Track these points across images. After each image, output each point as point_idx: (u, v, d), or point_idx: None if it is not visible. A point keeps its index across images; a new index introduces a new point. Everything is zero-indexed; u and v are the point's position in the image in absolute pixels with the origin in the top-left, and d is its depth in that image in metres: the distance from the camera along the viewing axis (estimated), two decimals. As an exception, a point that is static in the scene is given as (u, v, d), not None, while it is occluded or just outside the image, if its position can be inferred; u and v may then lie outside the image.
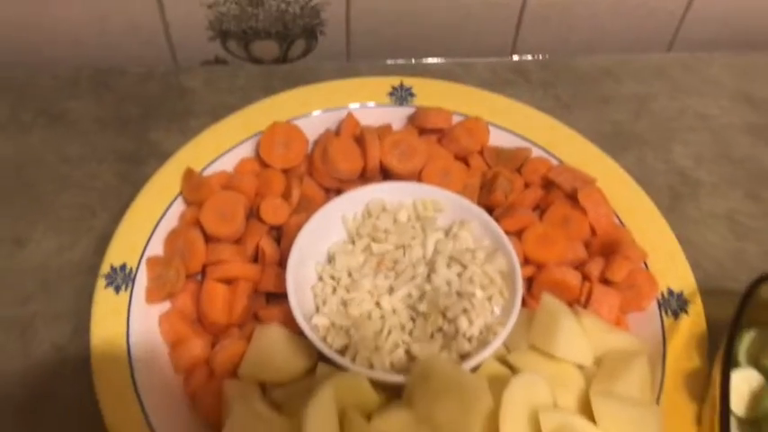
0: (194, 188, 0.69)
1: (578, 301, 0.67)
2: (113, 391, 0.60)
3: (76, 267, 0.74)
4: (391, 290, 0.64)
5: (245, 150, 0.75)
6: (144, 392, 0.60)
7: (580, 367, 0.62)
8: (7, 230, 0.76)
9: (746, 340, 0.60)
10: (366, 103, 0.78)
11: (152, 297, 0.65)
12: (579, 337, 0.61)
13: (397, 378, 0.58)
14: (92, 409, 0.61)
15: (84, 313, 0.67)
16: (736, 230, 0.81)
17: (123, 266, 0.66)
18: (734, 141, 0.89)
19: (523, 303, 0.66)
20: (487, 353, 0.59)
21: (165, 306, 0.66)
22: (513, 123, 0.78)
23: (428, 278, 0.64)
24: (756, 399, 0.57)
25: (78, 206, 0.78)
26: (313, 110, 0.77)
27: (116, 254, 0.66)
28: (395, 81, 0.80)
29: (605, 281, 0.68)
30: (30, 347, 0.69)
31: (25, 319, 0.70)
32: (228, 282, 0.66)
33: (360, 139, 0.73)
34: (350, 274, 0.65)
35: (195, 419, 0.61)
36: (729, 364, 0.54)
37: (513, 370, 0.60)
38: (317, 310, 0.64)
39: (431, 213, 0.69)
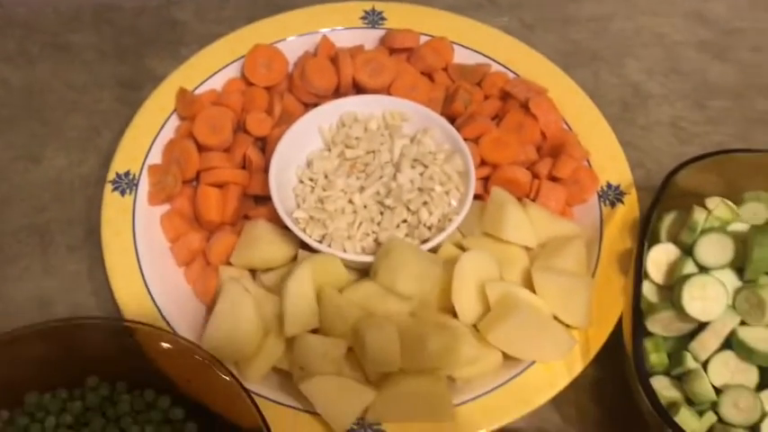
0: (187, 105, 0.78)
1: (528, 196, 0.76)
2: (125, 278, 0.69)
3: (85, 180, 0.83)
4: (362, 189, 0.73)
5: (232, 72, 0.83)
6: (150, 280, 0.70)
7: (526, 249, 0.71)
8: (23, 150, 0.85)
9: (667, 220, 0.69)
10: (341, 26, 0.86)
11: (153, 199, 0.74)
12: (524, 222, 0.70)
13: (365, 258, 0.67)
14: (106, 306, 0.72)
15: (94, 220, 0.77)
16: (679, 136, 0.89)
17: (127, 173, 0.75)
18: (684, 56, 0.97)
19: (481, 200, 0.75)
20: (443, 236, 0.69)
21: (166, 208, 0.75)
22: (476, 42, 0.86)
23: (394, 177, 0.73)
24: (672, 268, 0.66)
25: (84, 127, 0.87)
26: (292, 34, 0.85)
27: (120, 163, 0.75)
28: (367, 5, 0.87)
29: (553, 178, 0.76)
30: (48, 250, 0.79)
31: (42, 226, 0.80)
32: (220, 186, 0.75)
33: (334, 58, 0.81)
34: (326, 176, 0.74)
35: (198, 304, 0.71)
36: (645, 235, 0.63)
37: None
38: (298, 207, 0.73)
39: (398, 122, 0.77)
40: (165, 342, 0.61)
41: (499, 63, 0.85)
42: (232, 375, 0.58)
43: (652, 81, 0.94)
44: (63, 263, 0.78)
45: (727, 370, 0.62)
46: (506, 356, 0.66)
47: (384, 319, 0.62)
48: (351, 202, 0.72)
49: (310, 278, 0.64)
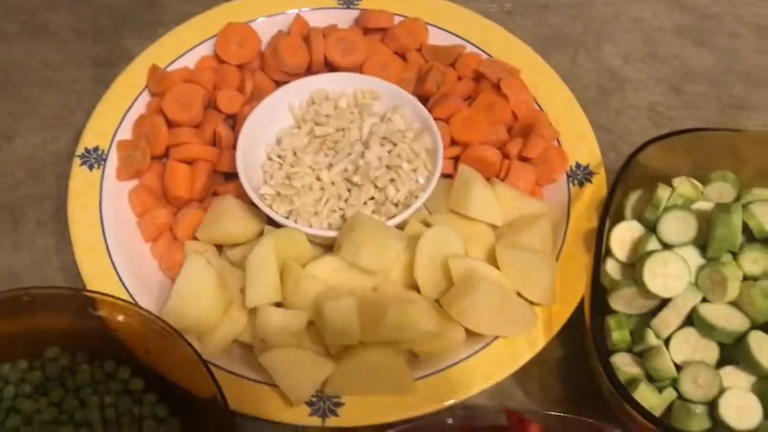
0: (158, 81, 0.78)
1: (498, 176, 0.76)
2: (89, 251, 0.70)
3: (58, 157, 0.83)
4: (330, 166, 0.73)
5: (205, 50, 0.83)
6: (115, 254, 0.70)
7: (492, 227, 0.71)
8: (-3, 127, 0.86)
9: (633, 198, 0.69)
10: (316, 6, 0.86)
11: (122, 175, 0.74)
12: (490, 199, 0.70)
13: (330, 233, 0.67)
14: (73, 281, 0.72)
15: (65, 196, 0.76)
16: (654, 120, 0.89)
17: (96, 148, 0.75)
18: (663, 42, 0.97)
19: (451, 179, 0.75)
20: (409, 212, 0.69)
21: (134, 184, 0.75)
22: (450, 24, 0.86)
23: (363, 155, 0.73)
24: (636, 246, 0.66)
25: (59, 106, 0.87)
26: (267, 14, 0.85)
27: (89, 138, 0.76)
28: (342, -15, 0.87)
29: (523, 158, 0.76)
30: (18, 226, 0.79)
31: (15, 202, 0.80)
32: (189, 162, 0.75)
33: (307, 37, 0.81)
34: (294, 153, 0.74)
35: (164, 279, 0.71)
36: (607, 212, 0.63)
37: (433, 229, 0.70)
38: (266, 183, 0.73)
39: (368, 101, 0.77)
40: (125, 313, 0.61)
41: (473, 44, 0.85)
42: (190, 346, 0.58)
43: (629, 66, 0.94)
44: (32, 238, 0.78)
45: (688, 347, 0.62)
46: (469, 332, 0.66)
47: (343, 291, 0.62)
48: (319, 179, 0.72)
49: (273, 251, 0.64)
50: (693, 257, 0.64)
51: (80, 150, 0.75)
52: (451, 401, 0.63)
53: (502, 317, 0.64)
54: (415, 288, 0.67)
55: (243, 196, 0.72)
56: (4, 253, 0.77)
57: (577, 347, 0.69)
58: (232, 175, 0.75)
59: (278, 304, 0.66)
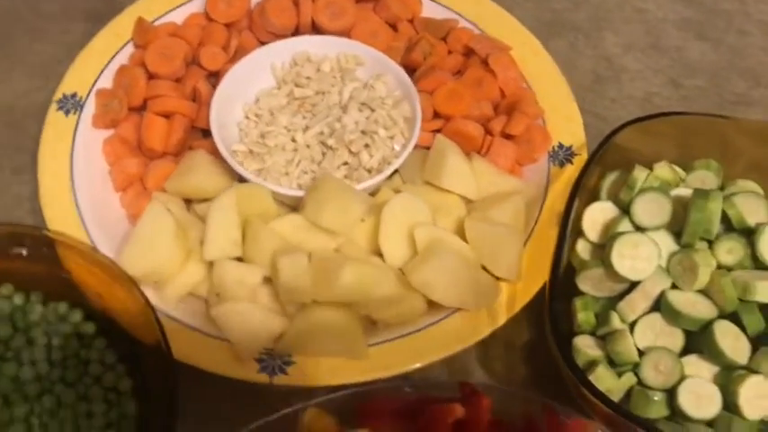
0: (142, 33, 0.77)
1: (480, 152, 0.74)
2: (54, 192, 0.69)
3: (41, 107, 0.81)
4: (306, 128, 0.72)
5: (196, 7, 0.82)
6: (81, 197, 0.69)
7: (466, 201, 0.69)
8: (-18, 74, 0.85)
9: (609, 179, 0.67)
10: (310, -28, 0.85)
11: (98, 122, 0.74)
12: (464, 172, 0.69)
13: (297, 193, 0.66)
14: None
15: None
16: (649, 110, 0.85)
17: (74, 95, 0.74)
18: (665, 34, 0.94)
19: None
20: (380, 178, 0.67)
21: (110, 134, 0.75)
22: (444, -3, 0.85)
23: (340, 119, 0.72)
24: (608, 227, 0.64)
25: (48, 56, 0.87)
26: (261, -25, 0.84)
27: (68, 84, 0.75)
28: (338, -47, 0.86)
29: (506, 136, 0.75)
30: (-8, 173, 0.79)
31: (-9, 151, 0.80)
32: (167, 116, 0.74)
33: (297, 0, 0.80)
34: (271, 113, 0.73)
35: (130, 229, 0.70)
36: (576, 191, 0.62)
37: (406, 199, 0.68)
38: (240, 140, 0.72)
39: (351, 66, 0.76)
40: (80, 255, 0.60)
41: (466, 19, 0.83)
42: (139, 290, 0.57)
43: (628, 56, 0.92)
44: (6, 185, 0.78)
45: (652, 332, 0.60)
46: (431, 304, 0.64)
47: (298, 248, 0.61)
48: (293, 140, 0.71)
49: (234, 204, 0.63)
50: (667, 243, 0.62)
51: (58, 95, 0.75)
52: (404, 369, 0.61)
53: (463, 288, 0.63)
54: (381, 256, 0.65)
55: (217, 153, 0.70)
56: (-23, 198, 0.77)
57: (545, 332, 0.68)
58: (210, 133, 0.74)
59: (239, 260, 0.64)
